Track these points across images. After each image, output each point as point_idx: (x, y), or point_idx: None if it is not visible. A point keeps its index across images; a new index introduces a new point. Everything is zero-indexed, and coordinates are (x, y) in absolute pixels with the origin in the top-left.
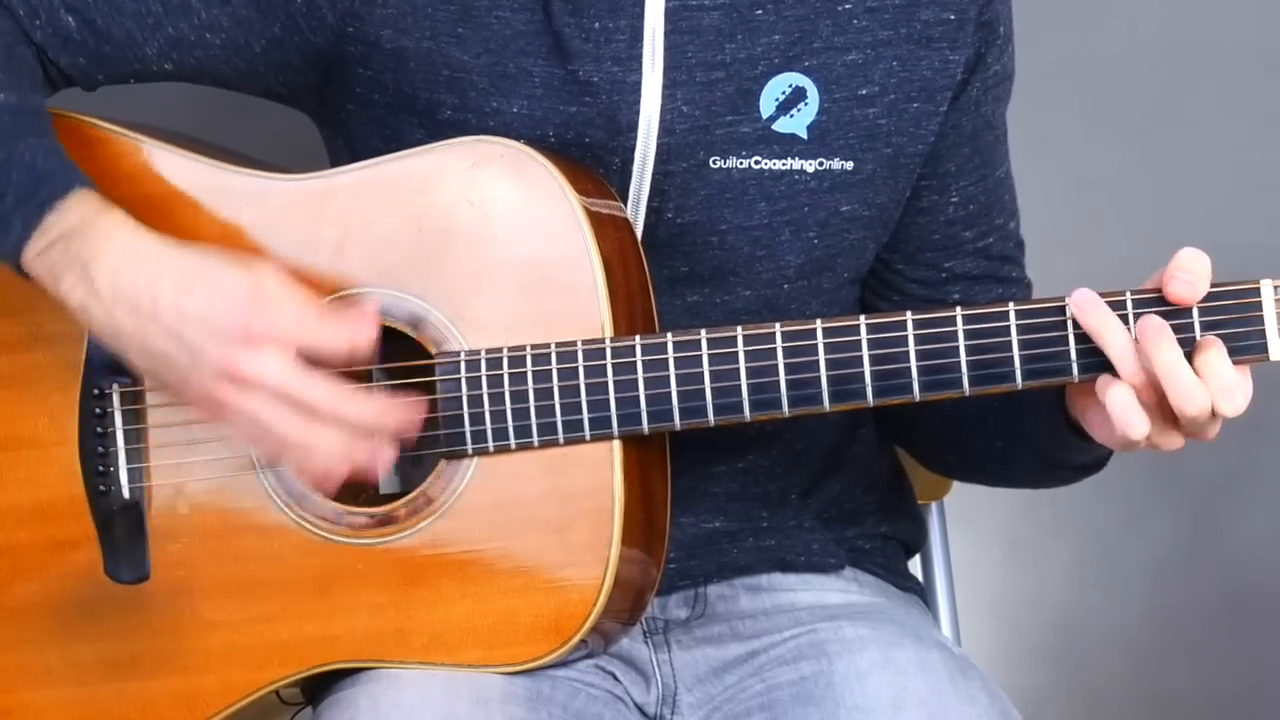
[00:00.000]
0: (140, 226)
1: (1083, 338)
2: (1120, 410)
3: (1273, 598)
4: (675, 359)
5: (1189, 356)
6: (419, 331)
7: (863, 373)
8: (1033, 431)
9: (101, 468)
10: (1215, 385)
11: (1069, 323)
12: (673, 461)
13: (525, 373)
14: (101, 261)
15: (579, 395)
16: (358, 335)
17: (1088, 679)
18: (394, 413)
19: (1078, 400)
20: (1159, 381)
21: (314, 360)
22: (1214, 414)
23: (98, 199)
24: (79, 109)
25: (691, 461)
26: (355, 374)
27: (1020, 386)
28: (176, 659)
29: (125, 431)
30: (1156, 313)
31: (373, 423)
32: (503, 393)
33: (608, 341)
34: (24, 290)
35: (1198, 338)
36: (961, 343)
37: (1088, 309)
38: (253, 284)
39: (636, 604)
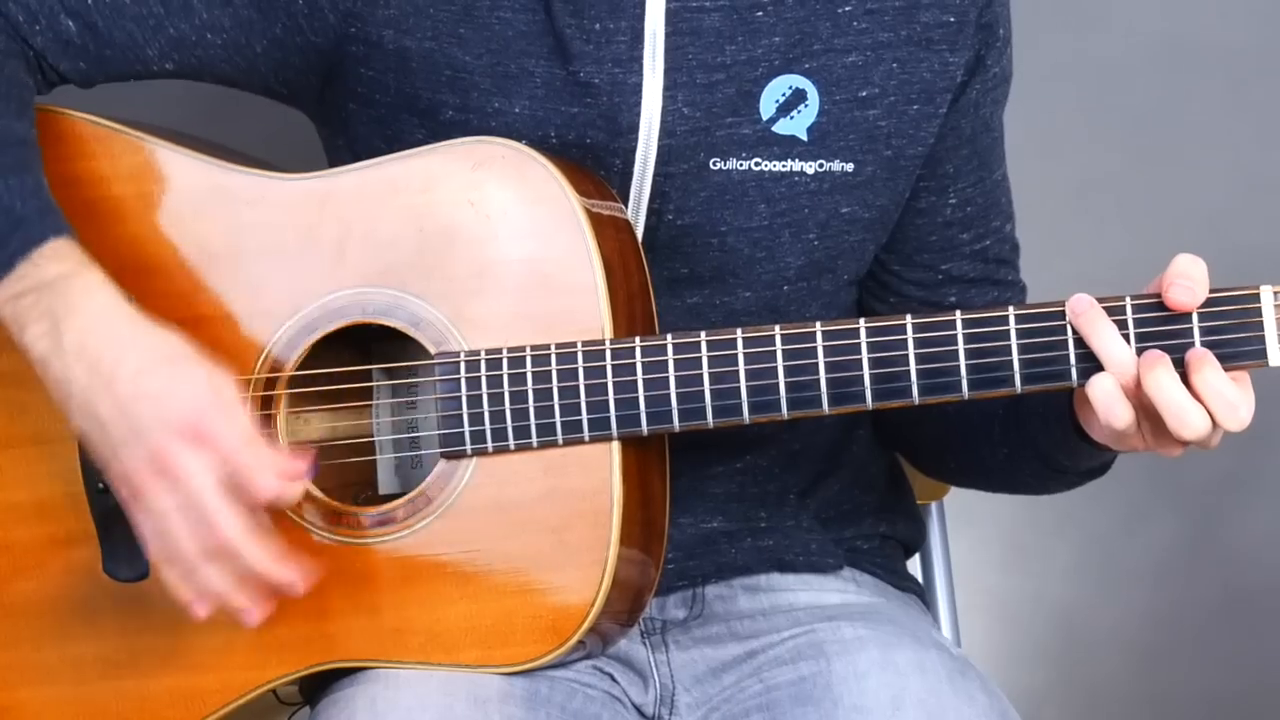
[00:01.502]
0: (117, 291)
1: (1082, 342)
2: (1102, 399)
3: (1273, 598)
4: (675, 360)
5: (1183, 376)
6: (419, 331)
7: (862, 376)
8: (1039, 438)
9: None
10: (1217, 402)
11: (1068, 327)
12: (671, 462)
13: (525, 373)
14: (74, 320)
15: (578, 396)
16: (286, 490)
17: (1088, 679)
18: (284, 573)
19: (1085, 407)
20: (1155, 406)
21: (239, 487)
22: (1216, 427)
23: (78, 253)
24: (79, 107)
25: (690, 462)
26: (355, 373)
27: (1019, 391)
28: (175, 658)
29: None
30: (1157, 317)
31: (262, 573)
32: (502, 393)
33: (607, 343)
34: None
35: (1197, 343)
36: (961, 346)
37: (1080, 312)
38: (215, 387)
39: (635, 604)
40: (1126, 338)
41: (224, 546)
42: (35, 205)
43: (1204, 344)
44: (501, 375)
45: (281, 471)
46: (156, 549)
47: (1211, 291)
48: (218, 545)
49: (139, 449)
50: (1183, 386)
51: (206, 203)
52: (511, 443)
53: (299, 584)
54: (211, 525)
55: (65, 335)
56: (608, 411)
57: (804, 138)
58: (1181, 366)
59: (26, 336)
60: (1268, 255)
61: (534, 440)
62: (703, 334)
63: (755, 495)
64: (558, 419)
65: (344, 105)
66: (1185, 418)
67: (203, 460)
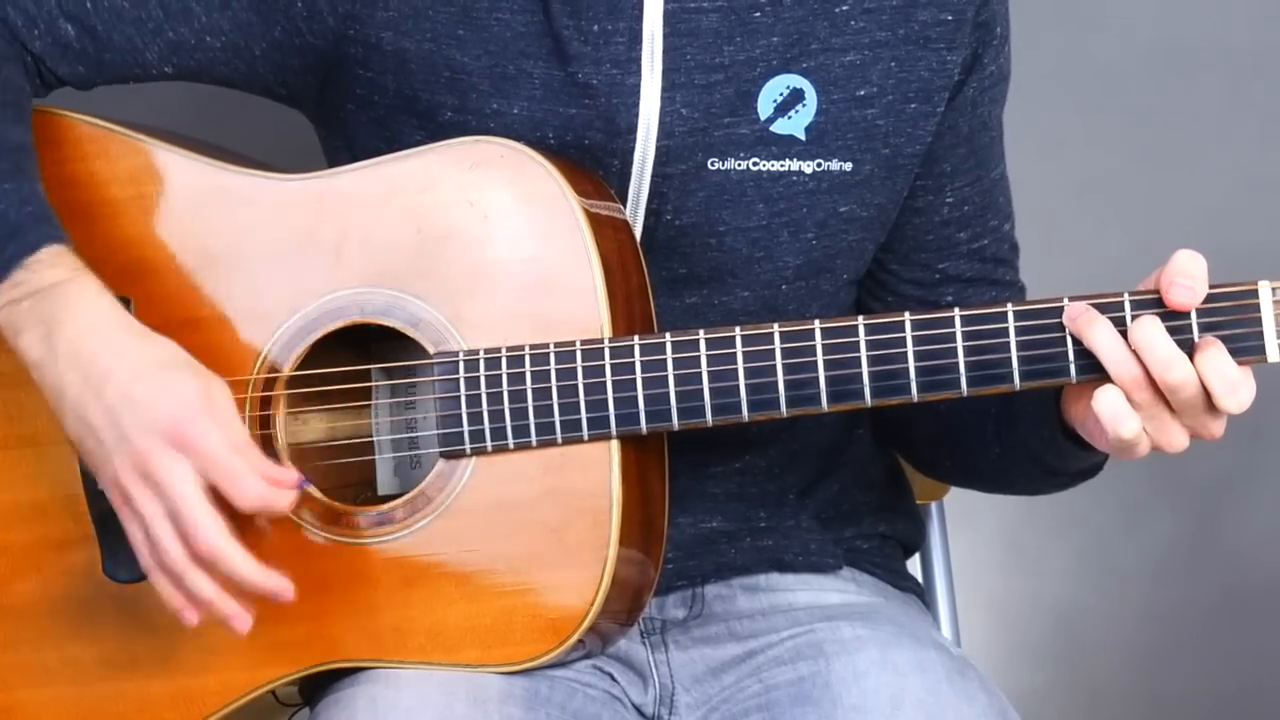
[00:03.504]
0: (114, 300)
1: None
2: (1109, 410)
3: (1273, 598)
4: (673, 359)
5: (1190, 357)
6: (418, 331)
7: (861, 373)
8: (1029, 439)
9: None
10: (1218, 382)
11: None
12: (670, 462)
13: (524, 373)
14: (67, 326)
15: (577, 395)
16: (271, 499)
17: (1088, 679)
18: (267, 579)
19: (1074, 408)
20: (1142, 356)
21: (225, 494)
22: (1216, 409)
23: (73, 260)
24: (77, 109)
25: (689, 462)
26: (354, 374)
27: (1018, 387)
28: (174, 658)
29: None
30: (1156, 314)
31: (244, 579)
32: (501, 393)
33: (606, 342)
34: None
35: (1195, 339)
36: (960, 343)
37: (1074, 314)
38: (202, 395)
39: (634, 604)
40: (1124, 334)
41: (207, 553)
42: (31, 212)
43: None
44: (500, 375)
45: (268, 479)
46: (145, 555)
47: (1210, 288)
48: (200, 552)
49: (126, 454)
50: (1170, 339)
51: (205, 204)
52: (510, 442)
53: (286, 591)
54: (193, 532)
55: (59, 342)
56: (606, 410)
57: (802, 137)
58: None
59: (22, 342)
60: (1267, 254)
61: (533, 440)
62: (701, 333)
63: (754, 495)
64: (556, 418)
65: (342, 106)
66: (1163, 356)
67: (185, 466)
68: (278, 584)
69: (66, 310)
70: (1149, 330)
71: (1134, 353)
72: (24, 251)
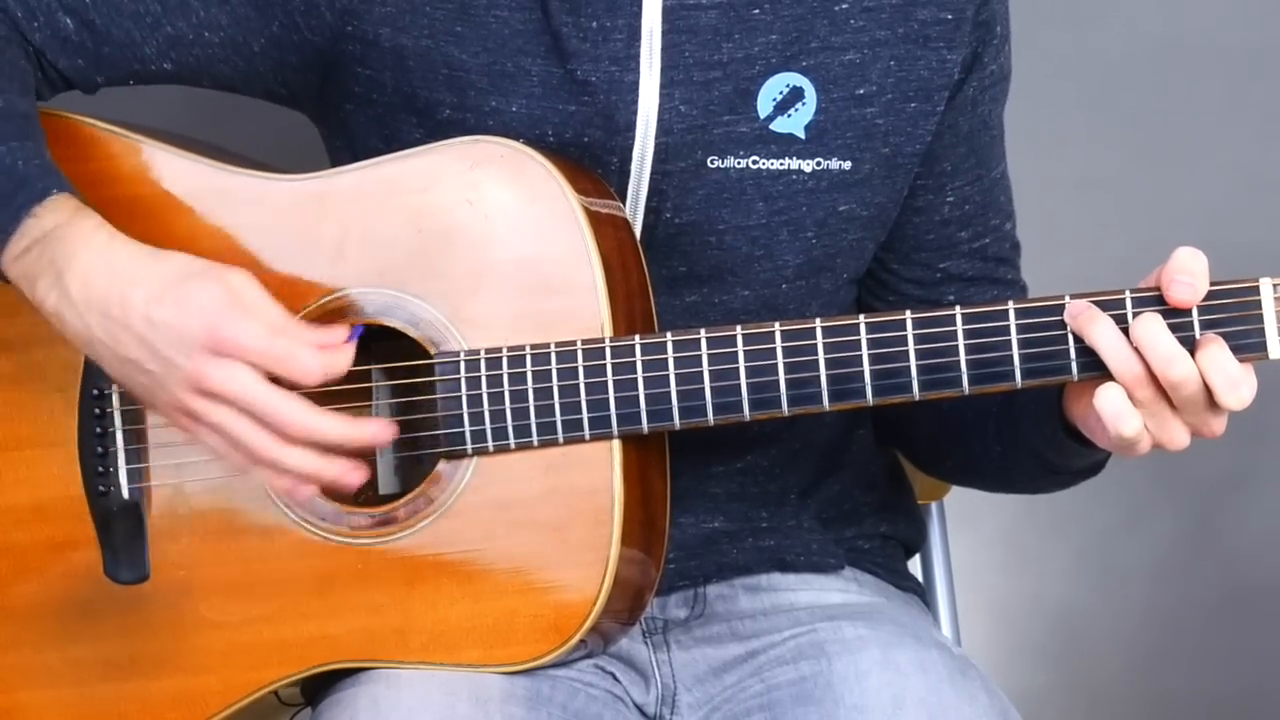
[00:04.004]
0: (115, 231)
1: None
2: (1110, 408)
3: (1273, 598)
4: (675, 359)
5: (1191, 354)
6: (419, 331)
7: (862, 372)
8: (1031, 437)
9: (101, 468)
10: (1219, 378)
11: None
12: (672, 461)
13: (525, 373)
14: (75, 267)
15: (578, 395)
16: (331, 363)
17: (1088, 679)
18: (363, 430)
19: (1076, 406)
20: (1143, 352)
21: (284, 378)
22: (1218, 405)
23: (75, 203)
24: (79, 109)
25: (691, 461)
26: (354, 374)
27: (1020, 385)
28: (176, 659)
29: (125, 432)
30: (1157, 311)
31: (341, 440)
32: (502, 393)
33: (607, 341)
34: (17, 291)
35: (1197, 336)
36: (961, 342)
37: (1075, 312)
38: (226, 294)
39: (636, 604)
40: (1126, 332)
41: (301, 432)
42: (37, 165)
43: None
44: (501, 375)
45: (320, 345)
46: (236, 459)
47: (1211, 285)
48: (295, 433)
49: (176, 377)
50: (1171, 336)
51: (205, 204)
52: (512, 442)
53: (384, 433)
54: (274, 419)
55: (70, 284)
56: (608, 410)
57: (801, 136)
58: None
59: (38, 292)
60: (1267, 253)
61: (534, 439)
62: (702, 331)
63: (756, 495)
64: (558, 418)
65: (342, 105)
66: (1174, 364)
67: (234, 369)
68: (373, 430)
69: (71, 251)
70: (1150, 327)
71: (1135, 350)
72: (33, 199)
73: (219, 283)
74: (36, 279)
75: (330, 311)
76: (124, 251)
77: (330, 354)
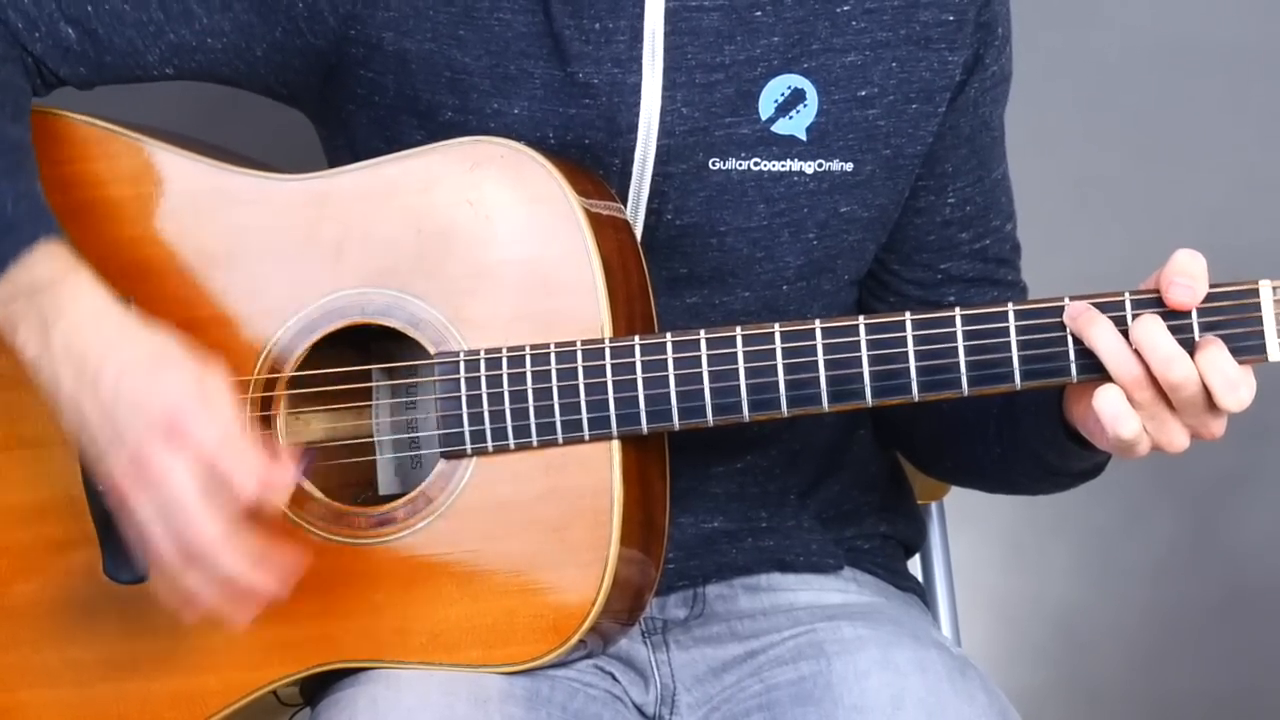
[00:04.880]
0: (108, 295)
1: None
2: (1109, 410)
3: (1273, 598)
4: (674, 359)
5: (1190, 356)
6: (418, 331)
7: (862, 373)
8: (1031, 439)
9: None
10: (1218, 380)
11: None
12: (671, 461)
13: (524, 373)
14: (61, 323)
15: (578, 395)
16: (269, 493)
17: (1088, 679)
18: (265, 576)
19: (1076, 408)
20: (1144, 355)
21: (222, 485)
22: (1217, 407)
23: (68, 255)
24: (77, 108)
25: (690, 462)
26: (354, 374)
27: (1019, 387)
28: (175, 659)
29: None
30: (1156, 313)
31: (238, 579)
32: (502, 393)
33: (607, 342)
34: None
35: (1196, 338)
36: (960, 343)
37: (1075, 314)
38: (198, 386)
39: (635, 604)
40: (1125, 334)
41: (199, 551)
42: (26, 208)
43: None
44: (501, 375)
45: (264, 473)
46: (143, 553)
47: (1210, 286)
48: (194, 549)
49: (122, 451)
50: (1171, 338)
51: (205, 204)
52: (511, 442)
53: (278, 589)
54: (187, 528)
55: (53, 338)
56: (608, 410)
57: (803, 137)
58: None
59: (18, 339)
60: (1267, 254)
61: (534, 440)
62: (702, 332)
63: (756, 495)
64: (558, 418)
65: (343, 106)
66: (1174, 365)
67: (180, 460)
68: (270, 582)
69: (60, 307)
70: (1150, 329)
71: (1135, 352)
72: (19, 247)
73: (192, 374)
74: (19, 326)
75: (329, 312)
76: (112, 320)
77: (269, 487)
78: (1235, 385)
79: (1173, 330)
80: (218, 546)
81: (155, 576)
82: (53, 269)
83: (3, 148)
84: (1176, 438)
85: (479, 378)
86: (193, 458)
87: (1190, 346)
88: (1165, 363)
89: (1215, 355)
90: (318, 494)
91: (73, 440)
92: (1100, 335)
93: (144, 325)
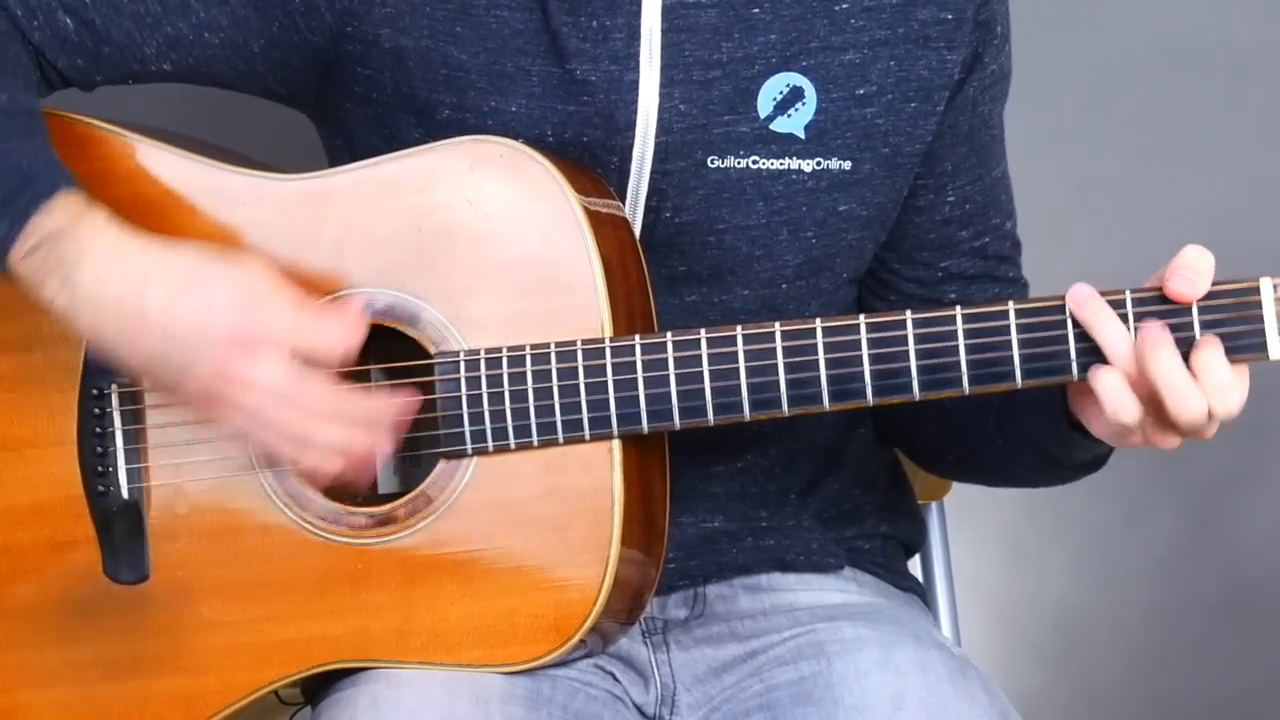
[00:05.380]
0: (124, 226)
1: (1082, 336)
2: (1110, 395)
3: (1273, 598)
4: (675, 358)
5: (1186, 355)
6: (418, 331)
7: (862, 372)
8: (1034, 430)
9: (100, 468)
10: (1210, 383)
11: (1069, 321)
12: (671, 461)
13: (524, 372)
14: (85, 265)
15: (578, 395)
16: (349, 336)
17: (1088, 679)
18: (390, 408)
19: (1078, 398)
20: (1155, 385)
21: (308, 361)
22: (1209, 413)
23: (83, 199)
24: (78, 109)
25: (690, 461)
26: (353, 374)
27: (1020, 385)
28: (176, 659)
29: (124, 432)
30: (1156, 310)
31: (369, 417)
32: (502, 392)
33: (607, 341)
34: (23, 291)
35: (1197, 336)
36: (961, 342)
37: (1082, 301)
38: (245, 286)
39: (635, 604)
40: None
41: (325, 408)
42: (44, 163)
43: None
44: (501, 374)
45: (335, 327)
46: (263, 436)
47: (1212, 284)
48: (319, 409)
49: (202, 369)
50: (1183, 365)
51: (205, 204)
52: (512, 442)
53: (409, 404)
54: (303, 398)
55: (81, 283)
56: (608, 410)
57: (801, 136)
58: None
59: (46, 293)
60: (1267, 254)
61: (534, 439)
62: (703, 331)
63: (756, 494)
64: (558, 418)
65: (341, 105)
66: (1184, 397)
67: (261, 360)
68: (399, 408)
69: (81, 250)
70: (1163, 357)
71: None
72: (40, 196)
73: (236, 274)
74: (45, 279)
75: None
76: (135, 245)
77: (349, 333)
78: (1226, 390)
79: (1173, 329)
80: (339, 395)
81: (284, 449)
82: (66, 214)
83: (16, 112)
84: (1168, 441)
85: (479, 377)
86: (273, 354)
87: (1189, 345)
88: (1175, 394)
89: (1210, 359)
90: (318, 494)
91: (142, 373)
92: (1105, 328)
93: (166, 245)
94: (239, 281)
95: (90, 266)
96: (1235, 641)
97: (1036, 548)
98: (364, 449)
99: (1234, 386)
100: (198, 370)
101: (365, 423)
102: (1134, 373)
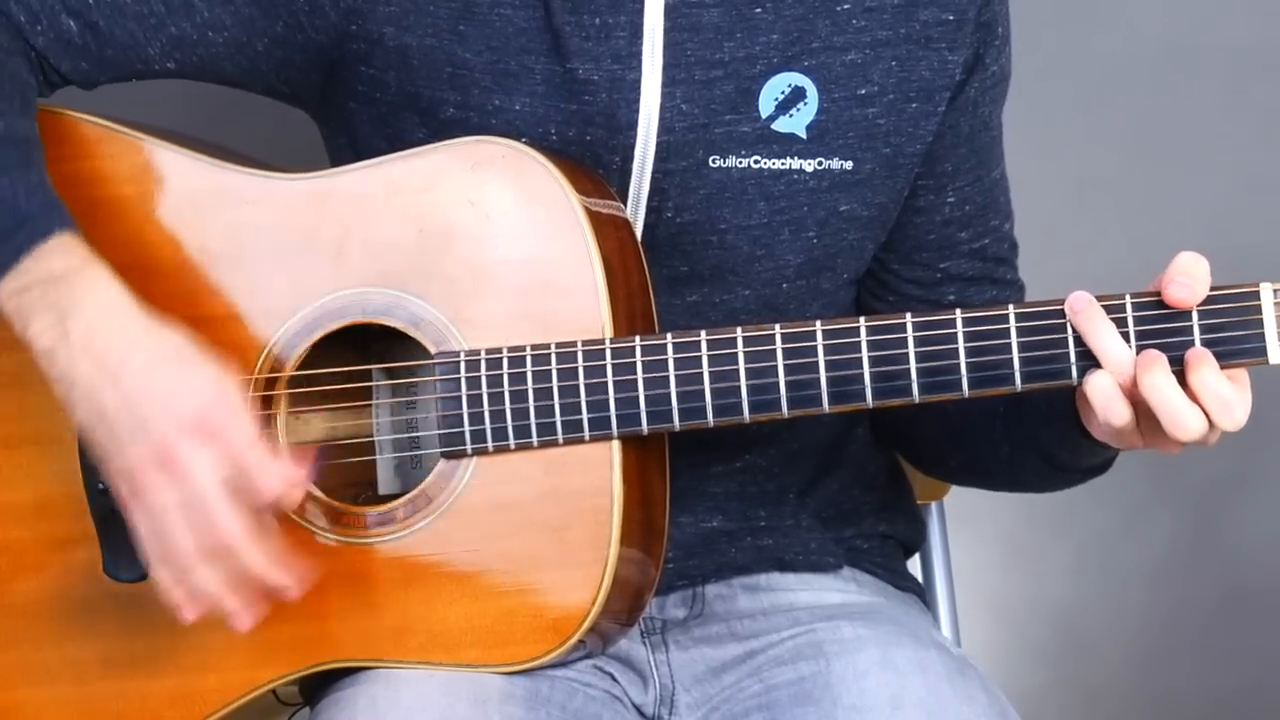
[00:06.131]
0: (124, 287)
1: (1082, 340)
2: (1100, 398)
3: (1273, 598)
4: (675, 360)
5: (1181, 374)
6: (419, 331)
7: (862, 374)
8: (1041, 435)
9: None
10: (1211, 402)
11: (1068, 325)
12: (671, 461)
13: (525, 373)
14: (81, 314)
15: (578, 395)
16: (289, 490)
17: (1088, 679)
18: (281, 575)
19: (1083, 402)
20: (1150, 405)
21: (242, 486)
22: (1213, 427)
23: (82, 248)
24: (79, 107)
25: (690, 461)
26: (355, 373)
27: (1019, 389)
28: (175, 658)
29: None
30: (1156, 314)
31: (259, 575)
32: (502, 393)
33: (607, 342)
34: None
35: (1197, 341)
36: (961, 344)
37: (1079, 309)
38: (223, 386)
39: (635, 604)
40: (1126, 336)
41: (224, 546)
42: (40, 200)
43: (1204, 342)
44: (502, 375)
45: (284, 474)
46: (152, 548)
47: (1211, 289)
48: (217, 544)
49: (144, 444)
50: (1179, 388)
51: (207, 203)
52: (512, 442)
53: (294, 588)
54: (213, 523)
55: (72, 330)
56: (608, 411)
57: (803, 135)
58: (1179, 365)
59: (31, 331)
60: (1267, 255)
61: (534, 440)
62: (703, 333)
63: (755, 494)
64: (558, 418)
65: (345, 104)
66: (1181, 420)
67: (209, 457)
68: (287, 580)
69: (78, 299)
70: (1158, 381)
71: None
72: (34, 239)
73: (216, 373)
74: (32, 318)
75: (330, 312)
76: (131, 312)
77: (289, 487)
78: (1230, 407)
79: (1173, 333)
80: (243, 541)
81: (160, 571)
82: (68, 261)
83: (13, 141)
84: (1171, 447)
85: (479, 377)
86: (221, 454)
87: (1190, 347)
88: (1174, 419)
89: (1208, 378)
90: (318, 493)
91: (85, 432)
92: (1101, 338)
93: (162, 321)
94: (219, 380)
95: (85, 317)
96: (1235, 642)
97: (1036, 548)
98: (229, 612)
99: (1237, 402)
100: (144, 441)
101: (254, 577)
102: (1128, 382)
